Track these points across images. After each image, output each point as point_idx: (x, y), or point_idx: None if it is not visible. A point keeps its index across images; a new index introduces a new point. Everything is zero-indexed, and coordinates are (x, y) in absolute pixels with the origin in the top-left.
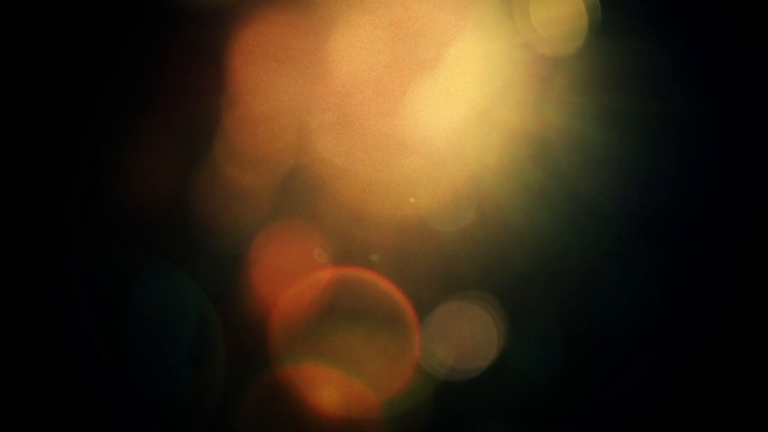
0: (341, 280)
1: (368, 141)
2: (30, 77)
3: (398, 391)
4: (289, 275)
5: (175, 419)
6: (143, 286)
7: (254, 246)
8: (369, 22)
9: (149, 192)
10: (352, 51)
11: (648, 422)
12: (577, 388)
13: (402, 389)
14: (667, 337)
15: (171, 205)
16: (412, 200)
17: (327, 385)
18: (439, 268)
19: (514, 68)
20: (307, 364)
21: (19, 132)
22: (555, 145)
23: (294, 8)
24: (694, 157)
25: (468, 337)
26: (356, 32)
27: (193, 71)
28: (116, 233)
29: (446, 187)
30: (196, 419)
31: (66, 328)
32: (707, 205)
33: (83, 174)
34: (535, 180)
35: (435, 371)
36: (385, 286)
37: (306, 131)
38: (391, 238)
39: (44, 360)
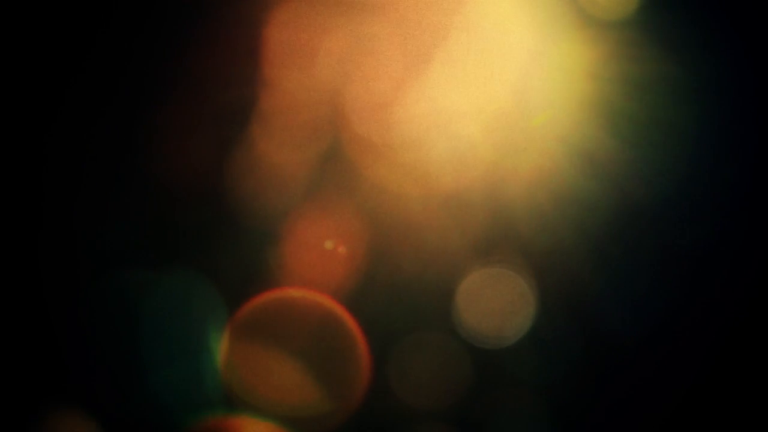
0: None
1: (402, 119)
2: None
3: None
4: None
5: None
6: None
7: (290, 228)
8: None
9: (187, 180)
10: (384, 30)
11: (649, 423)
12: (581, 389)
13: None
14: (672, 339)
15: (208, 192)
16: (446, 178)
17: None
18: (474, 244)
19: (556, 36)
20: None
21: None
22: (587, 124)
23: None
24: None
25: (502, 303)
26: (386, 11)
27: (227, 54)
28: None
29: (478, 168)
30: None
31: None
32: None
33: (117, 167)
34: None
35: (472, 340)
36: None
37: (341, 112)
38: (426, 218)
39: (48, 363)
